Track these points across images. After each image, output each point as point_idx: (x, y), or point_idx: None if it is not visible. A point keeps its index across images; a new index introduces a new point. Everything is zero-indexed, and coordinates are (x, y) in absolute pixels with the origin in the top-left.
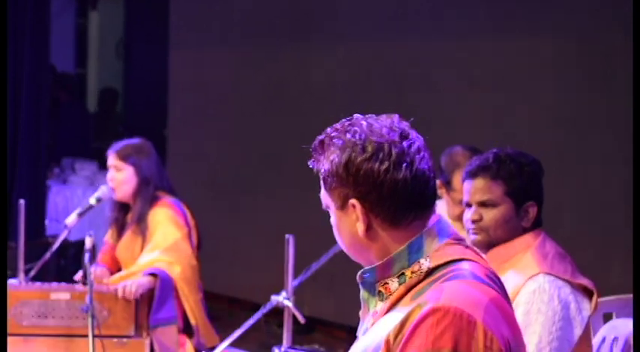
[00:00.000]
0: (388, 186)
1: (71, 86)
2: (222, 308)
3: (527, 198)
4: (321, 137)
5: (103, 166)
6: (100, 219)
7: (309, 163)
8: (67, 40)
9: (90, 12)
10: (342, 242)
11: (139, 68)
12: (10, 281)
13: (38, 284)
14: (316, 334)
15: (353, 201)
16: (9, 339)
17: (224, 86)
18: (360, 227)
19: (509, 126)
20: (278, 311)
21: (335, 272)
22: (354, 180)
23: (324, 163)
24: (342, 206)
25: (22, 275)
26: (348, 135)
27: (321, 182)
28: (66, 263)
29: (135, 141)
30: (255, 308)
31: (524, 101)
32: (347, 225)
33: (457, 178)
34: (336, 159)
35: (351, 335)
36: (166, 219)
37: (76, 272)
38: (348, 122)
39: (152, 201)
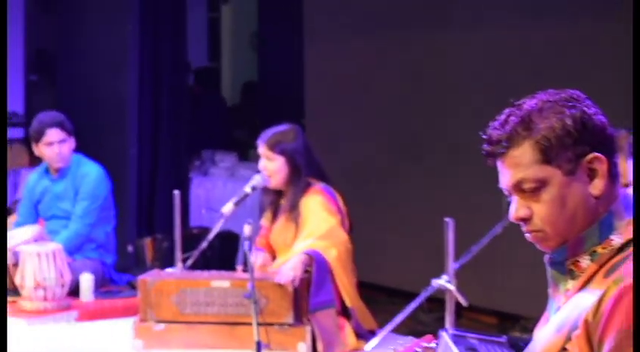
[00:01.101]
0: (611, 140)
1: (207, 80)
2: (368, 297)
3: None
4: (514, 118)
5: (243, 157)
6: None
7: (498, 151)
8: (200, 35)
9: (222, 5)
10: (563, 213)
11: (274, 59)
12: (169, 271)
13: (198, 272)
14: (463, 320)
15: (595, 154)
16: (172, 326)
17: (360, 75)
18: (600, 183)
19: None
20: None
21: (480, 257)
22: (592, 134)
23: (542, 132)
24: (573, 169)
25: (179, 264)
26: (557, 98)
27: (538, 155)
28: (212, 254)
29: (283, 127)
30: (402, 295)
31: None
32: (576, 189)
33: (621, 162)
34: (567, 118)
35: (500, 319)
36: (319, 206)
37: (221, 262)
38: (531, 99)
39: (304, 188)
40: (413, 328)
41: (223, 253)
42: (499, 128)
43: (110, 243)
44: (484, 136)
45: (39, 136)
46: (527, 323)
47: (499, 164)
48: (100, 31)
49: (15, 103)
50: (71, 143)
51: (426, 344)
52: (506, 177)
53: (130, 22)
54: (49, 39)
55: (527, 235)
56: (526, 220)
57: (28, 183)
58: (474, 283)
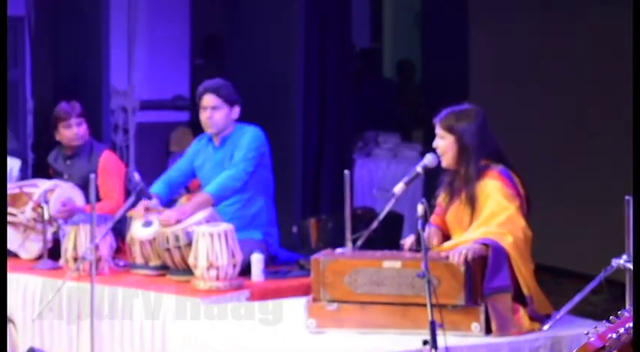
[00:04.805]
0: None
1: (371, 61)
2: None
3: None
4: None
5: (406, 138)
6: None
7: None
8: (362, 16)
9: None
10: None
11: (438, 39)
12: (340, 250)
13: (370, 252)
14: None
15: None
16: (345, 306)
17: (526, 54)
18: None
19: None
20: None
21: None
22: None
23: None
24: None
25: (349, 244)
26: None
27: None
28: (376, 234)
29: (461, 107)
30: (569, 275)
31: None
32: None
33: None
34: None
35: None
36: (497, 191)
37: (385, 242)
38: None
39: (480, 170)
40: (582, 309)
41: (386, 234)
42: None
43: (271, 217)
44: None
45: (198, 101)
46: None
47: None
48: (267, 15)
49: (181, 86)
50: (226, 111)
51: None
52: None
53: (296, 4)
54: (215, 24)
55: None
56: None
57: (193, 145)
58: None
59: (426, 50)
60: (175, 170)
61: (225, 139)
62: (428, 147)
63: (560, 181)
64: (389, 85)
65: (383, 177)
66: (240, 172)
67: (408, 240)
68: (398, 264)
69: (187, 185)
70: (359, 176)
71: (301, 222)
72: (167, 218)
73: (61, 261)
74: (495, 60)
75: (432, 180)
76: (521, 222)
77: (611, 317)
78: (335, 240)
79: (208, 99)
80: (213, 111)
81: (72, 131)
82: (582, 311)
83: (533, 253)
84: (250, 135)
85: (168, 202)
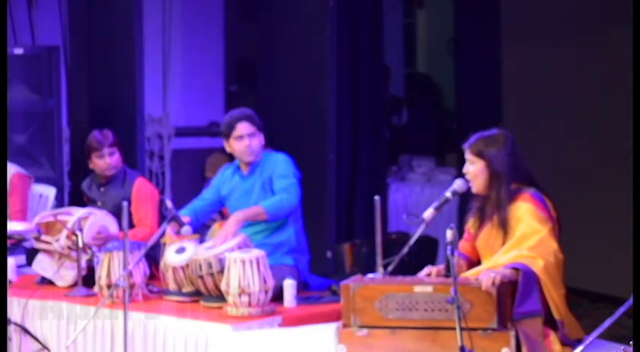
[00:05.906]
0: None
1: (415, 85)
2: (571, 301)
3: None
4: None
5: (441, 162)
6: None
7: None
8: (396, 41)
9: (417, 11)
10: None
11: (471, 64)
12: (370, 276)
13: (400, 277)
14: None
15: None
16: (375, 332)
17: (559, 79)
18: None
19: None
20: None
21: None
22: None
23: None
24: None
25: (380, 269)
26: None
27: None
28: (409, 258)
29: (490, 133)
30: (606, 300)
31: None
32: None
33: None
34: None
35: None
36: (528, 214)
37: (419, 267)
38: None
39: (511, 194)
40: (616, 333)
41: (421, 258)
42: None
43: (302, 244)
44: None
45: (230, 130)
46: None
47: None
48: (299, 39)
49: (215, 113)
50: (260, 138)
51: None
52: None
53: (328, 29)
54: (248, 48)
55: None
56: None
57: (218, 176)
58: None
59: (460, 75)
60: (202, 200)
61: (255, 167)
62: (462, 171)
63: (596, 203)
64: (425, 110)
65: (417, 201)
66: (296, 196)
67: (433, 270)
68: (429, 289)
69: (215, 213)
70: (393, 200)
71: (335, 247)
72: (226, 231)
73: (95, 288)
74: (528, 83)
75: (466, 203)
76: (553, 245)
77: (630, 342)
78: (370, 265)
79: (244, 128)
80: (251, 138)
81: (105, 161)
82: (616, 336)
83: (569, 278)
84: (286, 162)
85: (197, 229)
